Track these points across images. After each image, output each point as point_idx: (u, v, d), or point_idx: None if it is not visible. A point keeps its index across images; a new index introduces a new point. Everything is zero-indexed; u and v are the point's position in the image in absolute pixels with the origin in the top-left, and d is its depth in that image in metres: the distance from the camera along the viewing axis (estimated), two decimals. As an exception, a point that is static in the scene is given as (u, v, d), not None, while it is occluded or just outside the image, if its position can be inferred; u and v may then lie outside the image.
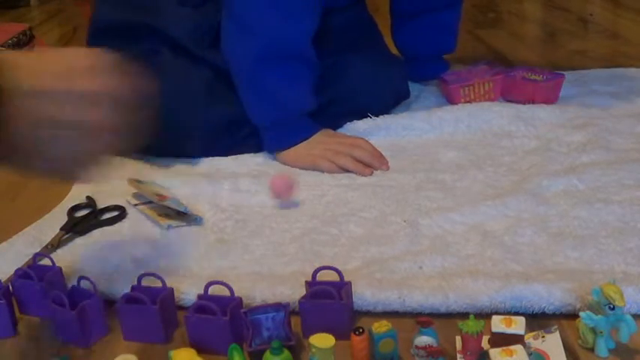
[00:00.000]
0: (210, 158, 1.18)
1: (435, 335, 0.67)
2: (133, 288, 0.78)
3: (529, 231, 0.88)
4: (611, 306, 0.66)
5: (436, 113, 1.26)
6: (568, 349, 0.67)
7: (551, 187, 0.99)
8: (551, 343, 0.67)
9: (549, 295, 0.73)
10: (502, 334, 0.65)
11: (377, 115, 1.25)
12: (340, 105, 1.23)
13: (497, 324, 0.66)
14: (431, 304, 0.75)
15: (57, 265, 0.83)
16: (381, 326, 0.67)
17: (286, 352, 0.66)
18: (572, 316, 0.71)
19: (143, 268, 0.83)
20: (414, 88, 1.39)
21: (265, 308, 0.72)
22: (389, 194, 1.02)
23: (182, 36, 1.18)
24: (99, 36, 1.22)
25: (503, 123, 1.23)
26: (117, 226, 0.99)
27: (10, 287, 0.81)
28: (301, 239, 0.92)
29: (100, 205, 1.04)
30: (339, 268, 0.76)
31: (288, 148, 1.15)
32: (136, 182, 1.07)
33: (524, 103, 1.30)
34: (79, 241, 0.95)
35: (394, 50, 1.45)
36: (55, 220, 1.00)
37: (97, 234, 0.97)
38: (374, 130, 1.23)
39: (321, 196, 1.03)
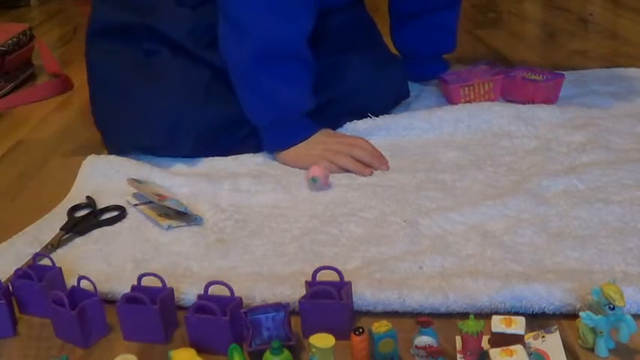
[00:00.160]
0: (210, 158, 1.18)
1: (435, 335, 0.67)
2: (133, 288, 0.77)
3: (529, 231, 0.88)
4: (611, 306, 0.66)
5: (436, 113, 1.26)
6: (568, 349, 0.67)
7: (551, 187, 0.99)
8: (551, 343, 0.67)
9: (549, 295, 0.73)
10: (502, 334, 0.65)
11: (377, 115, 1.25)
12: (340, 105, 1.23)
13: (497, 324, 0.66)
14: (431, 304, 0.75)
15: (57, 265, 0.83)
16: (381, 326, 0.67)
17: (286, 352, 0.66)
18: (572, 316, 0.71)
19: (143, 268, 0.84)
20: (414, 88, 1.38)
21: (265, 308, 0.72)
22: (389, 194, 1.02)
23: (181, 36, 1.18)
24: (98, 36, 1.22)
25: (503, 123, 1.23)
26: (117, 226, 0.99)
27: (10, 287, 0.81)
28: (301, 239, 0.92)
29: (100, 205, 1.04)
30: (339, 268, 0.76)
31: (288, 148, 1.15)
32: (136, 182, 1.07)
33: (524, 103, 1.30)
34: (79, 241, 0.96)
35: (394, 50, 1.44)
36: (55, 220, 1.00)
37: (97, 234, 0.97)
38: (374, 130, 1.23)
39: (321, 196, 1.03)
